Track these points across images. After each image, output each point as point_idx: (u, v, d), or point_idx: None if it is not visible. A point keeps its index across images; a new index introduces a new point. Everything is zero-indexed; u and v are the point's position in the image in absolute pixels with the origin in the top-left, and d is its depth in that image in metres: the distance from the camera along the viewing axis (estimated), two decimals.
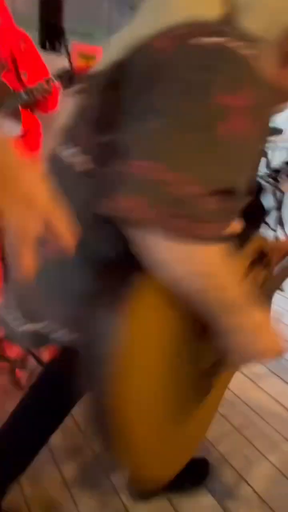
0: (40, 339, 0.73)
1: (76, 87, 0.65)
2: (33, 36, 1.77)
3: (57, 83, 1.55)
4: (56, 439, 1.20)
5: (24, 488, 1.17)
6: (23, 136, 1.68)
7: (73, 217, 0.42)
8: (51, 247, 0.41)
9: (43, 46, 1.46)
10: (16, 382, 1.44)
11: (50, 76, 1.55)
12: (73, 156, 0.62)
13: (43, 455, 1.07)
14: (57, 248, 0.41)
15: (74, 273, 0.64)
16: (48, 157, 0.67)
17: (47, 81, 1.54)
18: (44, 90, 1.54)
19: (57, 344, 0.80)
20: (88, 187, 0.59)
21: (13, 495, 1.07)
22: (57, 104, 1.68)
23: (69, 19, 1.44)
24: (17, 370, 1.46)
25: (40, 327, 0.70)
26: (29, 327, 0.72)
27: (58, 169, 0.63)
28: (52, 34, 1.44)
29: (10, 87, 1.59)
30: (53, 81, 1.54)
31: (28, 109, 1.68)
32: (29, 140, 1.76)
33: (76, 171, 0.61)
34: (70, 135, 0.64)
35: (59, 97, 1.66)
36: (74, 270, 0.63)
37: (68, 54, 1.28)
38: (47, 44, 1.42)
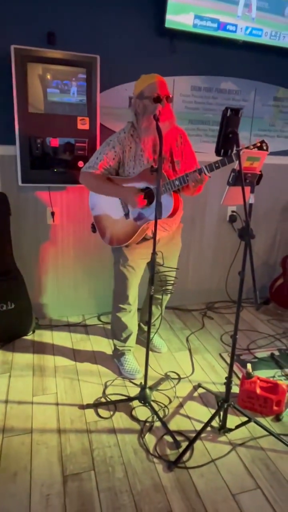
0: None
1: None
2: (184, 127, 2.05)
3: (208, 174, 1.72)
4: None
5: None
6: (171, 215, 1.91)
7: None
8: None
9: (218, 154, 1.59)
10: None
11: (201, 167, 1.68)
12: None
13: None
14: None
15: None
16: None
17: (199, 172, 1.66)
18: (194, 178, 1.66)
19: None
20: None
21: None
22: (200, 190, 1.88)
23: None
24: None
25: None
26: None
27: None
28: (228, 144, 1.56)
29: (166, 176, 1.77)
30: (204, 171, 1.65)
31: (178, 192, 1.91)
32: (177, 217, 2.02)
33: None
34: None
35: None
36: None
37: (239, 159, 1.36)
38: (222, 151, 1.54)
